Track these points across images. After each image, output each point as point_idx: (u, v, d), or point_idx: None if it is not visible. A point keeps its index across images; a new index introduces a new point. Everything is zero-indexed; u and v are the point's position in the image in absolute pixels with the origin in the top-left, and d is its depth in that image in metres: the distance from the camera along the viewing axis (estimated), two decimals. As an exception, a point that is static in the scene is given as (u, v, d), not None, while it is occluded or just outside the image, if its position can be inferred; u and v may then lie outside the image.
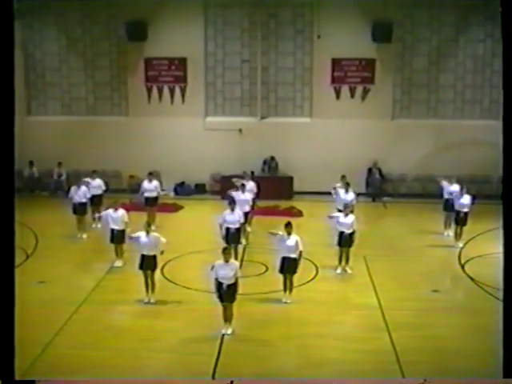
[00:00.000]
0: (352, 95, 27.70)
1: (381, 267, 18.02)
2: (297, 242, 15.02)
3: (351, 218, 17.44)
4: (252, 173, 24.51)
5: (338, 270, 17.58)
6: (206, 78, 28.24)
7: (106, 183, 22.94)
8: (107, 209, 18.45)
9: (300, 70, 28.03)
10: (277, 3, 27.36)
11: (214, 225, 18.46)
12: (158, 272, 15.82)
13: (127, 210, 18.53)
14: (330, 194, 21.45)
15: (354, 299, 15.74)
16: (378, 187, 27.51)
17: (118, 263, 17.90)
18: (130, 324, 14.31)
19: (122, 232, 17.73)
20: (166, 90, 28.24)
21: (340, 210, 18.80)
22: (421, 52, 27.51)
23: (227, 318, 13.43)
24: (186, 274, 17.08)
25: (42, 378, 11.05)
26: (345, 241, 17.39)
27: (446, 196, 21.25)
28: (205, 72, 28.12)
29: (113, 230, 17.92)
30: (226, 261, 13.21)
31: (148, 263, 15.14)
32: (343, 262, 17.60)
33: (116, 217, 17.88)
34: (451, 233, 20.83)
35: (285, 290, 15.34)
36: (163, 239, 15.47)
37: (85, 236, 20.86)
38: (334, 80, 27.64)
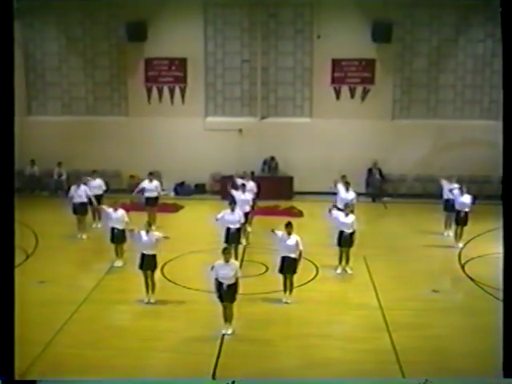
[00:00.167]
0: (352, 95, 27.71)
1: (381, 267, 18.02)
2: (297, 242, 15.02)
3: (351, 217, 17.44)
4: (252, 173, 24.51)
5: (338, 270, 17.57)
6: (206, 78, 28.24)
7: (107, 183, 22.95)
8: (109, 207, 18.43)
9: (300, 70, 28.03)
10: (277, 3, 27.36)
11: (214, 225, 18.47)
12: (158, 272, 15.81)
13: (127, 210, 18.54)
14: (330, 194, 21.47)
15: (354, 299, 15.75)
16: (378, 187, 27.51)
17: (118, 263, 17.90)
18: (130, 324, 14.32)
19: (123, 232, 17.74)
20: (165, 90, 28.24)
21: (339, 209, 18.80)
22: (421, 52, 27.51)
23: (227, 317, 13.43)
24: (186, 274, 17.07)
25: (42, 377, 11.11)
26: (345, 241, 17.39)
27: (446, 196, 21.26)
28: (205, 72, 28.13)
29: (113, 230, 17.92)
30: (227, 261, 13.21)
31: (148, 263, 15.13)
32: (343, 262, 17.60)
33: (116, 217, 17.88)
34: (451, 233, 20.83)
35: (285, 290, 15.33)
36: (160, 234, 15.45)
37: (85, 236, 20.85)
38: (333, 80, 27.64)
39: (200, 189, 28.38)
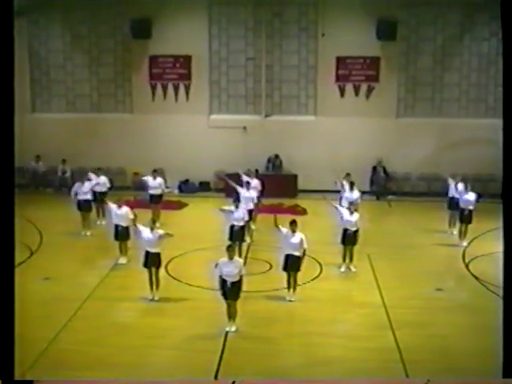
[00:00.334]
0: (356, 93, 27.70)
1: (385, 265, 18.01)
2: (301, 240, 15.02)
3: (356, 216, 17.43)
4: (256, 171, 24.50)
5: (342, 268, 17.56)
6: (211, 76, 28.27)
7: (111, 180, 22.98)
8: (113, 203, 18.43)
9: (304, 68, 28.03)
10: (281, 2, 27.39)
11: (218, 222, 18.48)
12: (162, 269, 15.80)
13: (131, 207, 18.53)
14: (334, 192, 21.48)
15: (357, 297, 15.73)
16: (383, 185, 27.50)
17: (122, 260, 17.91)
18: (133, 321, 14.31)
19: (126, 229, 17.76)
20: (170, 88, 28.27)
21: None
22: (425, 50, 27.50)
23: (231, 315, 13.43)
24: (190, 272, 17.08)
25: (46, 374, 11.12)
26: (349, 239, 17.38)
27: (451, 194, 21.22)
28: (209, 70, 28.17)
29: (117, 227, 17.93)
30: (231, 258, 13.22)
31: (152, 260, 15.15)
32: (347, 260, 17.59)
33: (120, 214, 17.88)
34: (455, 231, 20.81)
35: (288, 287, 15.33)
36: (161, 231, 15.49)
37: (89, 233, 20.89)
38: (338, 78, 27.64)
39: (204, 186, 28.41)
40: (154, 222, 15.68)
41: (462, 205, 20.09)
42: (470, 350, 12.68)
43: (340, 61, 27.46)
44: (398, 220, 24.27)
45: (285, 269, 15.24)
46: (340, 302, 15.43)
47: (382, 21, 26.30)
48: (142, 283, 15.37)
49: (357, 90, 27.67)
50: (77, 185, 21.22)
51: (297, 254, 15.04)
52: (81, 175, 22.52)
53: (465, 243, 19.97)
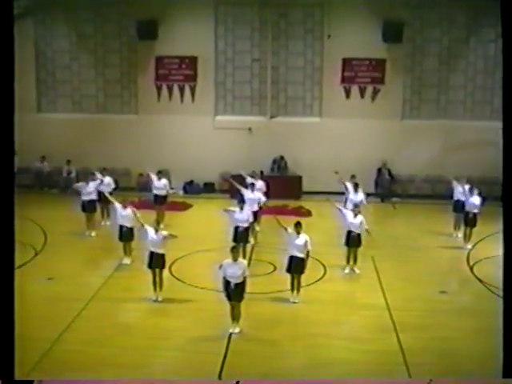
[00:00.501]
0: (362, 95, 27.68)
1: (389, 268, 18.00)
2: (306, 242, 15.01)
3: (360, 218, 17.42)
4: (261, 172, 24.51)
5: (346, 270, 17.56)
6: (216, 77, 28.28)
7: (116, 181, 22.99)
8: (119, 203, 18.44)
9: (310, 70, 28.03)
10: (287, 3, 27.36)
11: (222, 223, 18.49)
12: (166, 270, 15.81)
13: (136, 207, 18.54)
14: (338, 193, 21.48)
15: (361, 299, 15.72)
16: (387, 188, 27.47)
17: (127, 261, 17.93)
18: (137, 322, 14.33)
19: (131, 230, 17.79)
20: (175, 89, 28.28)
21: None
22: (431, 52, 27.48)
23: (235, 317, 13.43)
24: (194, 273, 17.07)
25: (49, 374, 11.13)
26: (353, 241, 17.39)
27: (456, 197, 21.18)
28: (215, 71, 28.18)
29: (121, 228, 17.95)
30: (235, 260, 13.22)
31: (156, 261, 15.16)
32: (351, 262, 17.59)
33: (125, 214, 17.89)
34: (460, 234, 20.78)
35: (292, 289, 15.33)
36: (165, 232, 15.53)
37: (93, 233, 20.91)
38: (343, 80, 27.62)
39: (209, 187, 28.42)
40: (158, 223, 15.70)
41: (466, 208, 20.06)
42: (474, 352, 12.66)
43: (346, 62, 27.44)
44: (402, 222, 24.25)
45: (288, 270, 15.24)
46: (344, 303, 15.42)
47: (388, 23, 26.28)
48: (146, 284, 15.39)
49: (362, 92, 27.66)
50: (81, 184, 21.28)
51: (301, 255, 15.04)
52: (86, 176, 22.52)
53: (469, 246, 19.95)
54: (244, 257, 16.88)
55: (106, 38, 28.36)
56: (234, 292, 13.22)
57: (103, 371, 11.57)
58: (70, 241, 20.18)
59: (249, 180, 21.40)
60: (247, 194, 20.05)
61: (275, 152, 27.79)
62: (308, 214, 24.15)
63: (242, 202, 18.86)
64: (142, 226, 15.82)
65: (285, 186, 26.46)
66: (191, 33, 27.40)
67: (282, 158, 27.84)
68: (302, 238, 15.06)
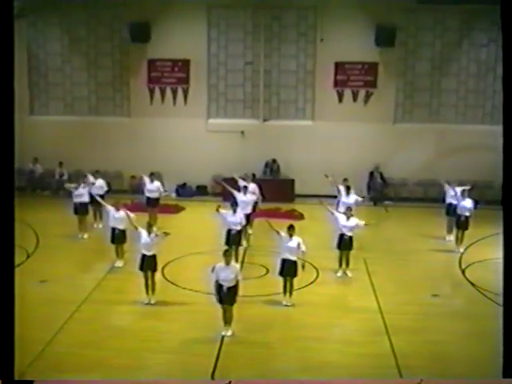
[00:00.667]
0: (354, 99, 27.72)
1: (381, 271, 18.03)
2: (298, 244, 15.02)
3: (353, 221, 17.44)
4: (253, 175, 24.48)
5: (339, 273, 17.58)
6: (209, 80, 28.27)
7: (108, 184, 22.95)
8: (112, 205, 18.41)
9: (302, 73, 28.05)
10: (280, 6, 27.37)
11: (215, 226, 18.48)
12: (158, 273, 15.80)
13: (129, 210, 18.50)
14: (331, 197, 21.48)
15: (354, 302, 15.74)
16: (380, 191, 27.51)
17: (119, 263, 17.91)
18: (130, 324, 14.30)
19: (123, 232, 17.78)
20: (168, 92, 28.25)
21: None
22: (424, 56, 27.54)
23: (227, 320, 13.43)
24: (187, 276, 17.07)
25: (41, 376, 11.10)
26: (344, 244, 17.40)
27: (448, 200, 21.21)
28: (207, 74, 28.17)
29: (114, 230, 17.93)
30: (227, 263, 13.20)
31: (148, 264, 15.13)
32: (343, 265, 17.61)
33: (118, 217, 17.87)
34: (453, 237, 20.82)
35: (285, 292, 15.34)
36: (158, 232, 15.56)
37: (86, 236, 20.89)
38: (336, 83, 27.65)
39: (201, 190, 28.41)
40: (150, 225, 15.66)
41: (458, 211, 20.10)
42: (466, 355, 12.73)
43: (338, 66, 27.46)
44: (394, 225, 24.22)
45: (281, 274, 15.25)
46: (336, 307, 15.43)
47: (381, 27, 26.32)
48: (138, 287, 15.36)
49: (355, 96, 27.70)
50: (73, 185, 21.29)
51: (293, 258, 15.05)
52: (78, 178, 22.50)
53: (461, 249, 19.98)
54: (236, 260, 16.90)
55: (98, 40, 28.32)
56: (227, 296, 13.22)
57: (96, 373, 11.56)
58: (62, 243, 20.13)
59: (241, 183, 21.39)
60: (240, 196, 20.06)
61: (268, 155, 27.79)
62: (300, 217, 24.15)
63: (234, 204, 18.83)
64: (136, 228, 15.79)
65: (277, 189, 26.41)
66: (184, 35, 27.40)
67: (274, 161, 27.85)
68: (295, 241, 15.06)
